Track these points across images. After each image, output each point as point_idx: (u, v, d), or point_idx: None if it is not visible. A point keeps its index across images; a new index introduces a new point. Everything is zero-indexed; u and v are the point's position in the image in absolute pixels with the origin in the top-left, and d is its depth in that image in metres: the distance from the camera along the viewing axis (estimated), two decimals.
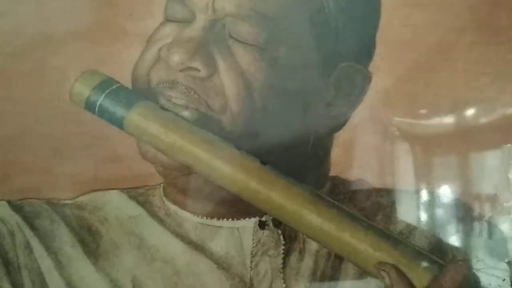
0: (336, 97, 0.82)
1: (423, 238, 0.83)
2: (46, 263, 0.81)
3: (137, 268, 0.82)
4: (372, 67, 0.83)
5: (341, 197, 0.84)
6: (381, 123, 0.85)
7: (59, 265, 0.82)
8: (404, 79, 0.85)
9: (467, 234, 0.83)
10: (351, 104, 0.83)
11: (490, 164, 0.85)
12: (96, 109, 0.79)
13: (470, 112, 0.85)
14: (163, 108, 0.79)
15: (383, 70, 0.83)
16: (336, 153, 0.85)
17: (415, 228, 0.84)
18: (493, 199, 0.84)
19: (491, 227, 0.83)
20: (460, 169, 0.85)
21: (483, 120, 0.85)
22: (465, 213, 0.85)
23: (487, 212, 0.84)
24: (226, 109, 0.78)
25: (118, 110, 0.78)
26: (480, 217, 0.83)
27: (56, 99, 0.84)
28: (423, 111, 0.85)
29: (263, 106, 0.78)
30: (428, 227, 0.84)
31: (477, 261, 0.81)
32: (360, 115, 0.83)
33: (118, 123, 0.79)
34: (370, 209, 0.84)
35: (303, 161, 0.82)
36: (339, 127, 0.84)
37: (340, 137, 0.84)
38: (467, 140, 0.85)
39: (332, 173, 0.85)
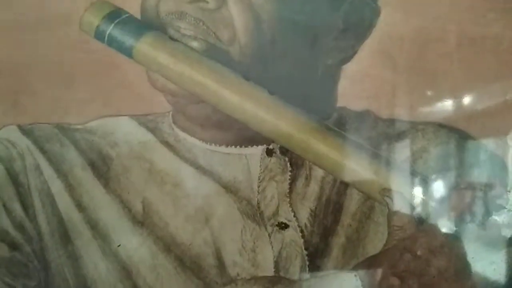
0: (345, 30, 0.82)
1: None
2: (56, 185, 0.83)
3: (147, 190, 0.83)
4: (381, 0, 0.83)
5: (348, 127, 0.85)
6: (389, 55, 0.86)
7: (69, 186, 0.83)
8: (412, 13, 0.85)
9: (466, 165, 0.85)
10: (359, 37, 0.84)
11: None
12: (106, 38, 0.79)
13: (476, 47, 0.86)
14: (172, 38, 0.79)
15: (391, 4, 0.84)
16: (343, 84, 0.85)
17: (419, 157, 0.85)
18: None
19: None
20: (465, 101, 0.86)
21: (489, 55, 0.86)
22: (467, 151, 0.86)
23: None
24: (234, 41, 0.78)
25: (127, 40, 0.79)
26: None
27: (66, 28, 0.85)
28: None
29: (272, 38, 0.79)
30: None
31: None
32: (368, 47, 0.84)
33: (127, 52, 0.79)
34: (376, 139, 0.85)
35: (310, 92, 0.83)
36: (347, 59, 0.85)
37: (348, 69, 0.85)
38: (471, 74, 0.86)
39: (340, 104, 0.86)
